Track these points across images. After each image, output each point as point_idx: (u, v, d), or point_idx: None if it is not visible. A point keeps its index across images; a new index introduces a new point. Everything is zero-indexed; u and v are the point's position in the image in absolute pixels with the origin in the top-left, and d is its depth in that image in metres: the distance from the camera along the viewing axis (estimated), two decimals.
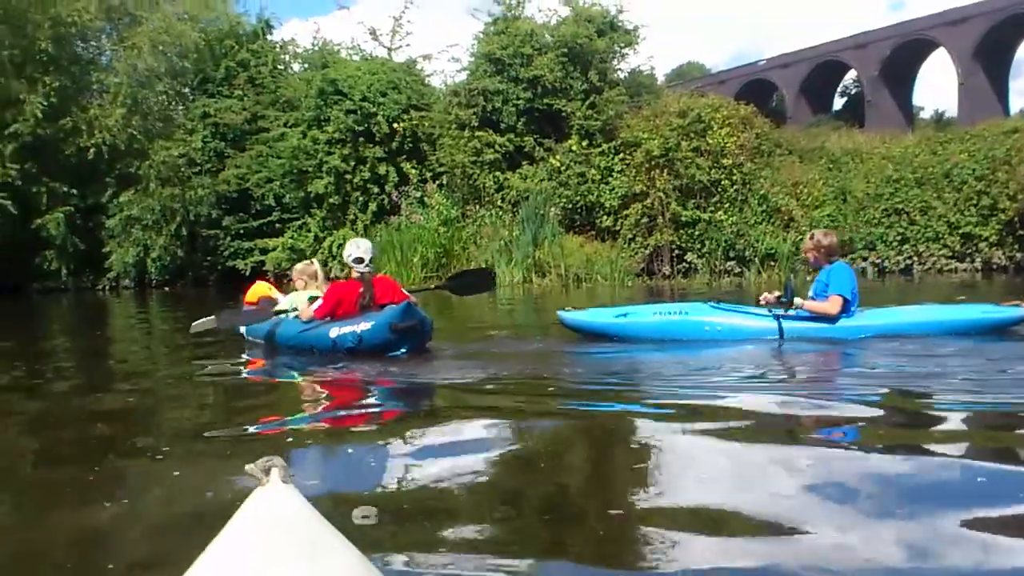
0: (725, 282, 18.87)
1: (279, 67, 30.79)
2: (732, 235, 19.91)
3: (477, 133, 22.88)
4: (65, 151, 26.76)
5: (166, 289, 26.63)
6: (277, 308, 7.62)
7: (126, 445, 4.05)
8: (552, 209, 21.10)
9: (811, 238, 6.97)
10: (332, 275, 23.35)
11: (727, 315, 6.94)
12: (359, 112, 24.62)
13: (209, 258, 27.49)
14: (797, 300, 6.71)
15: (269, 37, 31.96)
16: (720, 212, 20.31)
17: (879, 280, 18.08)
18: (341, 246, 23.80)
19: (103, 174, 27.33)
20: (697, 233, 20.37)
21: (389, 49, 28.59)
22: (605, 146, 21.85)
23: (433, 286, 7.24)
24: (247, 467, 1.52)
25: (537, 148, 22.73)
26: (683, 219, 20.38)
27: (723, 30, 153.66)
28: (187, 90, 31.28)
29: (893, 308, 7.23)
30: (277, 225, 26.33)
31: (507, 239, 20.81)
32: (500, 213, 21.85)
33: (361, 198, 24.73)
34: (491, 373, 5.71)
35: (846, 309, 6.64)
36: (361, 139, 24.72)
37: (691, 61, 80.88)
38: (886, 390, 4.64)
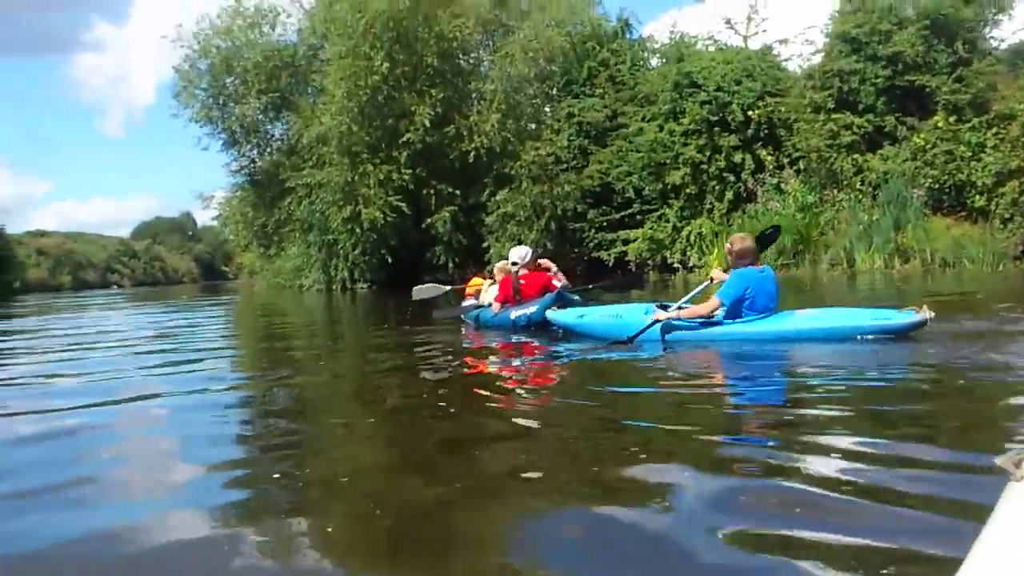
0: None
1: (637, 64, 31.86)
2: None
3: (833, 115, 22.47)
4: (449, 156, 29.61)
5: None
6: (478, 303, 11.52)
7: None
8: (916, 191, 20.31)
9: (729, 243, 7.71)
10: (692, 264, 24.09)
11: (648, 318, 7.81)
12: (714, 102, 25.05)
13: (576, 250, 29.08)
14: (672, 310, 7.74)
15: (628, 36, 33.18)
16: None
17: None
18: (700, 235, 24.53)
19: (482, 175, 29.82)
20: None
21: (744, 37, 28.78)
22: (975, 120, 20.56)
23: (591, 286, 10.22)
24: (996, 460, 1.42)
25: (899, 127, 21.86)
26: None
27: None
28: (554, 92, 33.31)
29: (792, 313, 7.20)
30: (637, 216, 27.28)
31: (866, 223, 20.37)
32: (859, 197, 21.37)
33: (717, 187, 25.13)
34: None
35: (728, 313, 7.36)
36: (716, 128, 25.14)
37: None
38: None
